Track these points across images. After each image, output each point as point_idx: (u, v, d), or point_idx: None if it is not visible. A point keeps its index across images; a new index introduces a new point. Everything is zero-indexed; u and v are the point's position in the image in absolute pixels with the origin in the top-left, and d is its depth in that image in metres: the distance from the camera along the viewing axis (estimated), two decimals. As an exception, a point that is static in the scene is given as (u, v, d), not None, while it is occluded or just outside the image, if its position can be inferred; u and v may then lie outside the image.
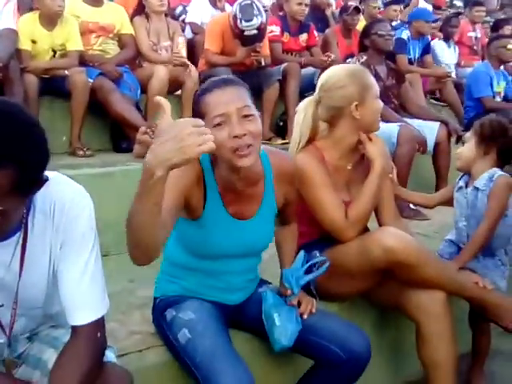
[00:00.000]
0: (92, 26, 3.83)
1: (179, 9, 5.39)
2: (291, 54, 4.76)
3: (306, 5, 4.60)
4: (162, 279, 1.75)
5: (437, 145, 3.79)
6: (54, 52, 3.57)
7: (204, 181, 1.54)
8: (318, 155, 1.96)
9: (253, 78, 4.05)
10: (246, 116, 1.41)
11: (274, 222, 1.73)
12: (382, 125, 3.62)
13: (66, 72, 3.46)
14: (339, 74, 1.97)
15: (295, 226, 1.90)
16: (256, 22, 3.88)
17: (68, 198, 1.19)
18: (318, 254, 1.91)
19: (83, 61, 3.68)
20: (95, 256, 1.22)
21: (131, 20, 4.05)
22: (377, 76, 3.78)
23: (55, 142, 3.55)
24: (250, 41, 4.00)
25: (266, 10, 4.22)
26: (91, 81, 3.52)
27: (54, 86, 3.53)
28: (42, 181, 1.09)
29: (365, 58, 3.83)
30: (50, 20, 3.50)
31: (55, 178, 1.20)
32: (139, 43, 4.03)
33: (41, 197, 1.16)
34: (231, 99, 1.42)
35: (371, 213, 1.98)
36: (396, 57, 5.13)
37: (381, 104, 1.98)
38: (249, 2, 3.93)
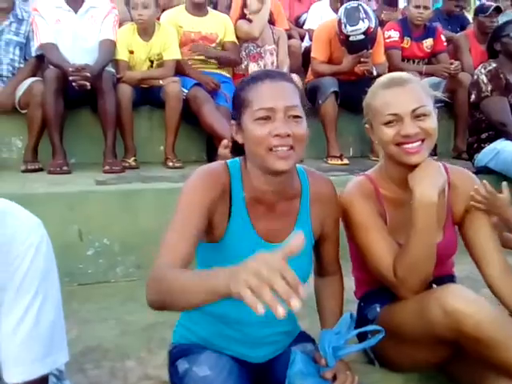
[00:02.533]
0: (194, 36, 3.77)
1: (304, 16, 5.21)
2: (413, 62, 4.33)
3: (425, 7, 4.18)
4: (179, 323, 1.51)
5: None
6: (152, 62, 3.55)
7: (230, 192, 1.33)
8: (371, 188, 1.58)
9: (363, 88, 3.75)
10: (293, 116, 1.25)
11: (311, 253, 1.44)
12: (509, 145, 3.16)
13: (161, 82, 3.42)
14: (375, 84, 1.58)
15: (339, 278, 1.56)
16: (362, 26, 3.54)
17: (10, 234, 1.01)
18: (378, 309, 1.55)
19: (181, 70, 3.61)
20: (41, 304, 1.01)
21: (235, 25, 3.94)
22: (508, 86, 3.26)
23: (152, 152, 3.58)
24: (356, 47, 3.66)
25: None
26: (186, 91, 3.45)
27: (151, 96, 3.52)
28: None
29: (493, 65, 3.29)
30: (147, 30, 3.49)
31: (3, 208, 1.03)
32: (248, 33, 3.88)
33: None
34: (282, 95, 1.26)
35: (431, 264, 1.47)
36: None
37: (389, 134, 1.47)
38: (355, 5, 3.62)
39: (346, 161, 3.70)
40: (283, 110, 1.23)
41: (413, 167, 1.45)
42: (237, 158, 1.38)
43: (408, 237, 1.44)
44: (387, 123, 1.44)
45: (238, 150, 1.37)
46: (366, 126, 1.56)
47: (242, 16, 3.95)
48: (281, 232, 1.35)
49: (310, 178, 1.43)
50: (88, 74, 3.06)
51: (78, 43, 3.34)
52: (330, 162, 3.72)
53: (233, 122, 1.34)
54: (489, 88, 3.26)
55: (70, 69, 3.09)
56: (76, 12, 3.38)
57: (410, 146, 1.43)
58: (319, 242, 1.48)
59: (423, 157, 1.44)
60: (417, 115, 1.42)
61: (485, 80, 3.28)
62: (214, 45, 3.81)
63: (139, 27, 3.48)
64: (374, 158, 3.76)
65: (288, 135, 1.22)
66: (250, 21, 3.91)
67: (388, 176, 1.57)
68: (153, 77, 3.49)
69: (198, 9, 3.78)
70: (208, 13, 3.86)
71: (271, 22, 4.13)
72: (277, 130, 1.22)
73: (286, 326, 1.46)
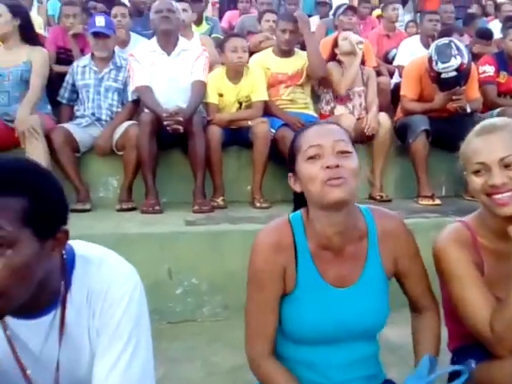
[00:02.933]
0: (281, 77, 3.83)
1: (393, 52, 5.18)
2: (511, 97, 4.13)
3: None
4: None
5: None
6: (240, 103, 3.64)
7: (295, 245, 1.35)
8: (467, 236, 1.48)
9: (457, 126, 3.59)
10: (342, 152, 1.29)
11: (386, 292, 1.40)
12: None
13: (250, 123, 3.49)
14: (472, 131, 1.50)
15: (433, 314, 1.48)
16: (455, 63, 3.43)
17: (106, 283, 1.06)
18: (473, 365, 1.44)
19: (269, 111, 3.67)
20: (133, 349, 1.04)
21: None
22: None
23: (240, 191, 3.62)
24: (448, 84, 3.54)
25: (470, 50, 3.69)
26: (274, 131, 3.50)
27: (240, 137, 3.59)
28: (62, 232, 1.01)
29: None
30: (236, 73, 3.59)
31: (101, 256, 1.09)
32: (335, 84, 3.88)
33: (80, 276, 1.06)
34: (328, 133, 1.33)
35: None
36: None
37: (478, 183, 1.40)
38: (447, 41, 3.52)
39: (437, 201, 3.57)
40: (331, 145, 1.28)
41: (510, 218, 1.37)
42: (298, 211, 1.40)
43: (509, 290, 1.34)
44: (476, 172, 1.40)
45: (299, 201, 1.40)
46: (465, 173, 1.49)
47: (333, 56, 3.97)
48: (350, 276, 1.36)
49: (375, 216, 1.41)
50: (181, 119, 3.19)
51: (171, 84, 3.49)
52: (421, 202, 3.60)
53: (290, 174, 1.37)
54: None
55: (164, 114, 3.24)
56: (169, 55, 3.56)
57: (499, 196, 1.36)
58: (399, 279, 1.45)
59: None
60: (506, 164, 1.36)
61: None
62: (299, 82, 3.85)
63: (231, 70, 3.59)
64: (468, 198, 3.60)
65: (337, 166, 1.25)
66: (339, 62, 3.92)
67: (486, 225, 1.48)
68: (242, 118, 3.57)
69: (285, 52, 3.86)
70: (295, 53, 3.92)
71: (361, 61, 4.11)
72: (326, 162, 1.26)
73: (370, 369, 1.42)
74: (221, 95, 3.59)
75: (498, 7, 7.85)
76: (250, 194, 3.54)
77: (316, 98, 4.12)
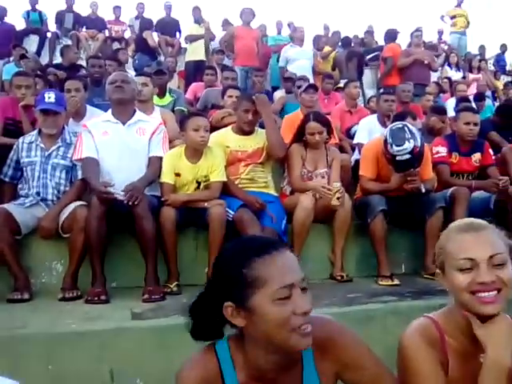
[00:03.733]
0: (241, 155, 3.79)
1: (355, 127, 5.28)
2: (462, 176, 4.24)
3: (475, 124, 4.15)
4: None
5: None
6: (199, 183, 3.53)
7: (222, 377, 1.24)
8: (435, 334, 1.43)
9: (413, 205, 3.72)
10: (302, 289, 1.18)
11: None
12: None
13: (206, 204, 3.38)
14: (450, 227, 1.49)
15: None
16: (408, 146, 3.49)
17: None
18: None
19: (228, 190, 3.60)
20: None
21: (289, 147, 3.95)
22: None
23: (197, 274, 3.46)
24: (403, 166, 3.60)
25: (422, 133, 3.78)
26: (232, 212, 3.39)
27: (197, 217, 3.44)
28: None
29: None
30: (195, 153, 3.50)
31: None
32: (290, 170, 3.89)
33: None
34: (295, 266, 1.20)
35: None
36: None
37: (463, 281, 1.36)
38: (400, 125, 3.60)
39: (396, 281, 3.54)
40: (300, 282, 1.18)
41: (485, 319, 1.35)
42: (225, 338, 1.29)
43: None
44: (462, 269, 1.36)
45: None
46: (437, 271, 1.48)
47: (300, 136, 3.96)
48: None
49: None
50: (134, 195, 3.08)
51: (125, 154, 3.41)
52: (380, 282, 3.55)
53: (228, 303, 1.20)
54: None
55: (99, 188, 3.11)
56: (124, 124, 3.50)
57: (485, 294, 1.34)
58: None
59: (498, 308, 1.35)
60: (494, 263, 1.35)
61: None
62: (259, 160, 3.82)
63: (190, 149, 3.50)
64: (426, 276, 3.60)
65: (309, 311, 1.17)
66: (306, 143, 3.91)
67: (457, 324, 1.43)
68: (198, 199, 3.45)
69: (245, 130, 3.84)
70: (255, 131, 3.90)
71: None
72: (302, 307, 1.15)
73: None
74: (178, 174, 3.48)
75: (452, 85, 8.32)
76: (206, 278, 3.38)
77: (279, 176, 4.12)
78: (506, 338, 1.32)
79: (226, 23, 9.50)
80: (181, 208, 3.37)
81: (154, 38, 9.17)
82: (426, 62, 7.62)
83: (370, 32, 10.07)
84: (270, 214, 3.58)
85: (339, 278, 3.61)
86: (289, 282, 1.14)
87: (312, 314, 1.21)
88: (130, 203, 3.08)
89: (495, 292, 1.34)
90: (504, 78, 10.52)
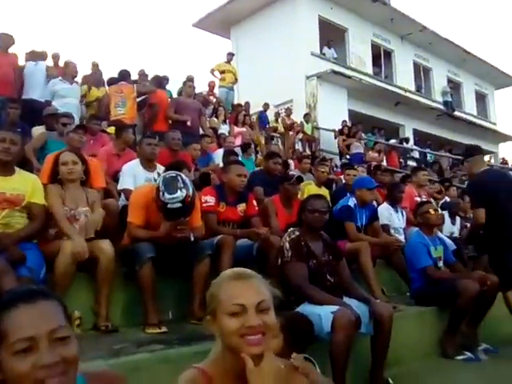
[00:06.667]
0: (-4, 197, 3.39)
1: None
2: (228, 225, 4.47)
3: (245, 176, 4.48)
4: None
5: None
6: None
7: None
8: (203, 382, 1.51)
9: (182, 252, 3.76)
10: (60, 339, 1.14)
11: None
12: (314, 308, 3.26)
13: None
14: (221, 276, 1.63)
15: None
16: (180, 195, 3.56)
17: None
18: None
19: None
20: None
21: (44, 188, 3.68)
22: (309, 253, 3.50)
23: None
24: (173, 214, 3.65)
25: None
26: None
27: None
28: None
29: (297, 233, 3.53)
30: None
31: None
32: (53, 210, 3.60)
33: None
34: (43, 317, 1.15)
35: None
36: (344, 224, 4.98)
37: (233, 325, 1.50)
38: (173, 174, 3.67)
39: (164, 328, 3.51)
40: (46, 336, 1.13)
41: (253, 360, 1.47)
42: None
43: None
44: (232, 314, 1.48)
45: None
46: (207, 317, 1.57)
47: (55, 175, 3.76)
48: None
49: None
50: None
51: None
52: (147, 330, 3.49)
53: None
54: (289, 254, 3.43)
55: None
56: None
57: (252, 337, 1.47)
58: None
59: (263, 349, 1.47)
60: (261, 309, 1.49)
61: (287, 246, 3.47)
62: (18, 207, 3.46)
63: None
64: (193, 321, 3.66)
65: (57, 362, 1.11)
66: (60, 183, 3.72)
67: (224, 369, 1.54)
68: None
69: (1, 168, 3.48)
70: (15, 172, 3.56)
71: (85, 182, 3.95)
72: (42, 361, 1.10)
73: None
74: None
75: (220, 137, 8.85)
76: None
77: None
78: (271, 378, 1.47)
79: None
80: None
81: None
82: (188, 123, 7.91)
83: (144, 75, 10.27)
84: (26, 265, 3.24)
85: (104, 328, 3.46)
86: (28, 335, 1.10)
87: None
88: None
89: (260, 335, 1.48)
90: (263, 133, 11.68)
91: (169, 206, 3.57)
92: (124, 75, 8.28)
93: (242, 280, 1.54)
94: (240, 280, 1.54)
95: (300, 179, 5.01)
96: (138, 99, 8.17)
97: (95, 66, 10.31)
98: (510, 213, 4.50)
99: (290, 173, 5.27)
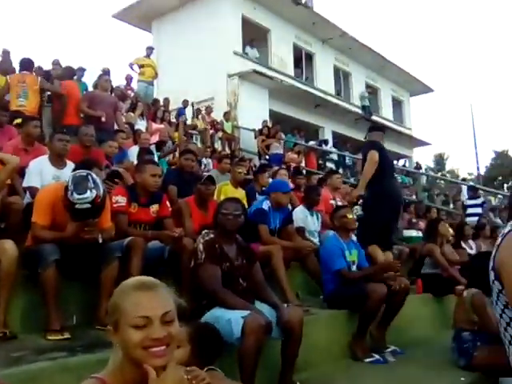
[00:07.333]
0: None
1: None
2: (140, 226, 4.34)
3: (159, 176, 4.37)
4: None
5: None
6: None
7: None
8: None
9: (89, 254, 3.58)
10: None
11: None
12: (225, 313, 3.22)
13: None
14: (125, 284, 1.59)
15: None
16: (90, 195, 3.41)
17: None
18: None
19: None
20: None
21: None
22: (223, 255, 3.46)
23: None
24: (82, 215, 3.49)
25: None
26: None
27: None
28: None
29: (211, 236, 3.49)
30: None
31: None
32: None
33: None
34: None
35: None
36: (258, 227, 4.98)
37: (137, 337, 1.46)
38: (84, 173, 3.50)
39: (67, 335, 3.33)
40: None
41: (157, 371, 1.46)
42: None
43: None
44: (137, 326, 1.45)
45: None
46: (109, 327, 1.50)
47: None
48: None
49: None
50: None
51: None
52: (49, 337, 3.30)
53: None
54: (203, 256, 3.38)
55: None
56: None
57: (157, 349, 1.45)
58: None
59: (167, 360, 1.46)
60: (165, 320, 1.47)
61: (201, 248, 3.42)
62: None
63: None
64: (98, 327, 3.49)
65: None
66: None
67: (125, 379, 1.50)
68: None
69: None
70: None
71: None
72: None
73: None
74: None
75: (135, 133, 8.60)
76: None
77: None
78: None
79: None
80: None
81: None
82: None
83: (58, 64, 9.82)
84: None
85: (1, 335, 3.23)
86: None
87: None
88: None
89: (164, 347, 1.46)
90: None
91: (77, 206, 3.41)
92: (26, 64, 7.78)
93: (147, 290, 1.49)
94: (144, 290, 1.49)
95: (211, 179, 4.96)
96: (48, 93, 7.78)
97: (6, 53, 9.69)
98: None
99: (208, 173, 5.19)
